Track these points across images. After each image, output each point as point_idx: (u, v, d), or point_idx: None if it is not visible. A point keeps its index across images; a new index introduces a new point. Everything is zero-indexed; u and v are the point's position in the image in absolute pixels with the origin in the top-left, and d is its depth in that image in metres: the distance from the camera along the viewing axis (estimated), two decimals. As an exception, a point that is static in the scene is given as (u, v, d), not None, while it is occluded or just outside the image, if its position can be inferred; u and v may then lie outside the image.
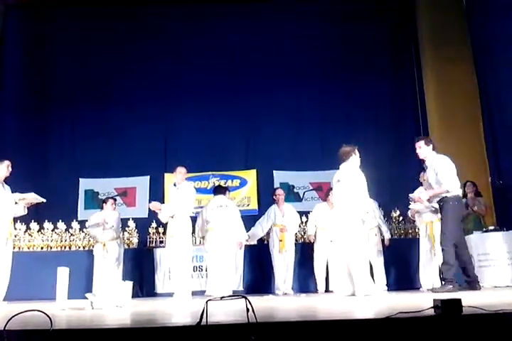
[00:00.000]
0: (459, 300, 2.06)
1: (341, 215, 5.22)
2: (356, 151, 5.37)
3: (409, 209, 6.59)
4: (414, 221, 6.77)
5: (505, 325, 2.03)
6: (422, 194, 5.60)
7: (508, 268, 6.08)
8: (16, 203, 5.76)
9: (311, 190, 9.01)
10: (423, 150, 5.49)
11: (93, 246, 7.23)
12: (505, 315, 2.06)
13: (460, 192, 5.40)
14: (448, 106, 8.45)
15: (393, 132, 9.29)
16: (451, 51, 8.62)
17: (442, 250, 5.19)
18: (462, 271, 5.34)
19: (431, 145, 5.49)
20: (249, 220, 8.47)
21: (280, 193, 7.23)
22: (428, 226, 6.25)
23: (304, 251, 7.20)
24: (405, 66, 9.57)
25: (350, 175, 5.19)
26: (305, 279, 7.14)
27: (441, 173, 5.25)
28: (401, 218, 7.78)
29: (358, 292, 4.90)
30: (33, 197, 5.81)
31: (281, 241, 6.89)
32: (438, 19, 8.86)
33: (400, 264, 7.05)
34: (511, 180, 7.68)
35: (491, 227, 6.65)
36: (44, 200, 5.89)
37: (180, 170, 6.25)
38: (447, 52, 8.64)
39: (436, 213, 6.09)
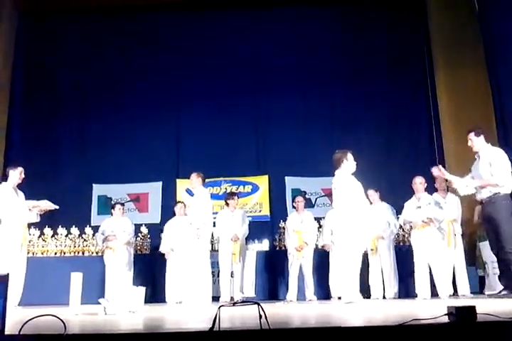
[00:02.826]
0: (473, 307, 2.03)
1: (337, 221, 5.21)
2: (348, 156, 5.16)
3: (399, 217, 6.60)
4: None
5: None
6: (471, 181, 5.25)
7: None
8: (29, 210, 5.81)
9: (323, 196, 8.97)
10: (475, 142, 5.27)
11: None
12: (521, 322, 2.03)
13: (510, 191, 5.12)
14: (461, 110, 8.37)
15: (406, 136, 9.25)
16: (463, 54, 8.57)
17: (508, 254, 4.87)
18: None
19: (482, 136, 5.27)
20: (261, 226, 8.50)
21: (300, 200, 7.29)
22: (420, 233, 6.17)
23: (318, 257, 7.15)
24: (417, 69, 9.51)
25: (342, 183, 5.11)
26: (319, 285, 7.08)
27: (495, 166, 5.05)
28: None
29: (343, 298, 4.88)
30: (47, 205, 5.84)
31: (298, 251, 6.86)
32: (450, 22, 8.80)
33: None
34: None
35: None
36: (57, 207, 5.93)
37: (192, 177, 6.29)
38: (460, 55, 8.59)
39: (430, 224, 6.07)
